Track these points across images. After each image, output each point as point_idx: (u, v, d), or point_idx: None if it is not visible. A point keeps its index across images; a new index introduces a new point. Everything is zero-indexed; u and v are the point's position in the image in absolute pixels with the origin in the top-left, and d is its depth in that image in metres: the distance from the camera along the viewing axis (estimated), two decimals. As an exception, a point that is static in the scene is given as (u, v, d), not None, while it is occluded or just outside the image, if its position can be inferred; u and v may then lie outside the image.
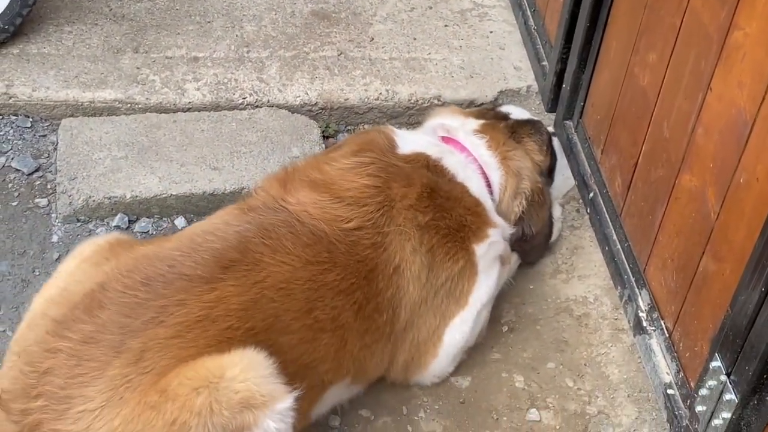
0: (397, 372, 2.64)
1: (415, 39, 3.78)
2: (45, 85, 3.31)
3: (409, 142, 2.69)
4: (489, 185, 2.76)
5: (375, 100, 3.49)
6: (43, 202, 3.09)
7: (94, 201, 2.98)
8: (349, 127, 3.52)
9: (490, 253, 2.67)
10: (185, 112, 3.33)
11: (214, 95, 3.37)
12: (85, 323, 2.10)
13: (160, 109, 3.32)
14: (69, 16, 3.62)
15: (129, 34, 3.57)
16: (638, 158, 2.68)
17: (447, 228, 2.55)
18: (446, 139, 2.79)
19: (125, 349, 2.06)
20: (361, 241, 2.40)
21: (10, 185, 3.13)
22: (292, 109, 3.38)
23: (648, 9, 2.60)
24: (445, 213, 2.55)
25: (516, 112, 3.03)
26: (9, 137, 3.25)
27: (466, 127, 2.83)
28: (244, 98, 3.39)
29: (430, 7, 3.95)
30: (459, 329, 2.63)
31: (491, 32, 3.85)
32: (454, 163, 2.69)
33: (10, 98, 3.28)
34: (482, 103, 3.54)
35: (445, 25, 3.86)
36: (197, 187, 3.04)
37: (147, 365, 2.05)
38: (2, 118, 3.30)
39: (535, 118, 3.02)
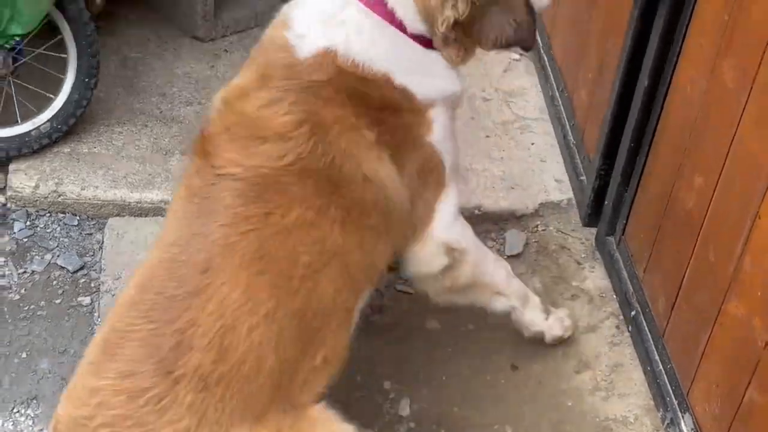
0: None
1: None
2: (94, 184, 3.38)
3: (306, 36, 2.33)
4: (406, 30, 2.38)
5: (416, 208, 3.52)
6: (86, 300, 3.12)
7: (136, 302, 3.00)
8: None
9: (446, 129, 2.54)
10: (229, 214, 3.36)
11: (258, 199, 3.42)
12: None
13: (205, 211, 3.37)
14: (120, 117, 3.70)
15: (178, 137, 3.64)
16: (682, 280, 2.67)
17: (395, 132, 2.41)
18: None
19: None
20: (309, 168, 2.25)
21: (54, 283, 3.17)
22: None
23: (693, 133, 2.62)
24: (386, 122, 2.38)
25: None
26: (56, 235, 3.31)
27: None
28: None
29: (472, 118, 4.00)
30: (447, 204, 2.62)
31: (532, 144, 3.88)
32: (360, 41, 2.32)
33: (59, 196, 3.35)
34: (522, 215, 3.57)
35: (487, 136, 3.91)
36: (239, 291, 3.05)
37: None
38: (50, 215, 3.36)
39: None
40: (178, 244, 2.21)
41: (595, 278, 3.33)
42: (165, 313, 2.11)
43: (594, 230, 3.42)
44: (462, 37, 2.43)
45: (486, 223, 3.57)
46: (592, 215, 3.38)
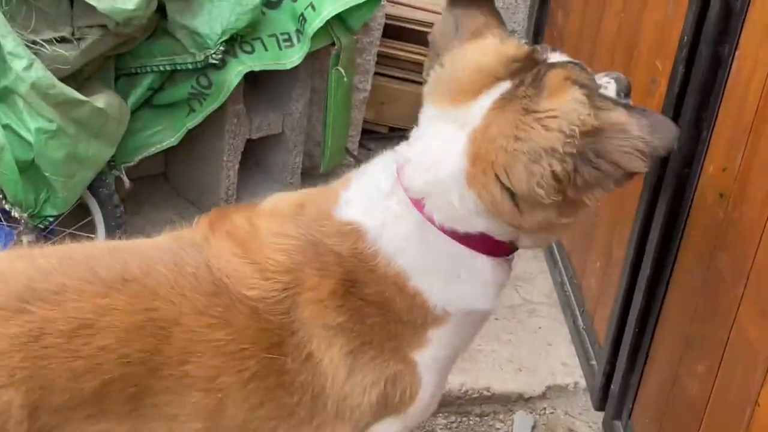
0: None
1: (466, 330, 3.92)
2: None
3: (352, 203, 2.22)
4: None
5: (426, 388, 3.59)
6: None
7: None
8: (399, 414, 3.59)
9: (443, 358, 2.28)
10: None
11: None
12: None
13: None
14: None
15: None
16: (688, 466, 2.73)
17: (369, 334, 2.18)
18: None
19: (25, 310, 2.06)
20: (264, 314, 2.15)
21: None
22: (347, 395, 3.48)
23: (694, 322, 2.74)
24: (364, 319, 2.17)
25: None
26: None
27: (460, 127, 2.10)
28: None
29: (482, 300, 4.12)
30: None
31: (539, 328, 3.99)
32: (395, 238, 2.16)
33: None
34: (530, 397, 3.63)
35: (496, 319, 4.02)
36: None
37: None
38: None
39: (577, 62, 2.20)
40: (136, 248, 2.27)
41: (603, 462, 3.37)
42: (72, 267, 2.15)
43: (602, 414, 3.48)
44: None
45: (494, 404, 3.64)
46: (604, 400, 3.43)
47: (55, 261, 2.17)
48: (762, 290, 2.37)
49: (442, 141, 2.11)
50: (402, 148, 2.22)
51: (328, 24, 3.99)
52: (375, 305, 2.17)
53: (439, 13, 4.71)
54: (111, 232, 3.65)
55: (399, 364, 2.22)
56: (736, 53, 2.54)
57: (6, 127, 3.22)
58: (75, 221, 3.65)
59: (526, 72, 2.08)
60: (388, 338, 2.19)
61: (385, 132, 5.09)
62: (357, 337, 2.18)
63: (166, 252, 2.23)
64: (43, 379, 2.07)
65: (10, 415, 2.05)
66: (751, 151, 2.44)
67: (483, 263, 2.19)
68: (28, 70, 3.21)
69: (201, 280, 2.16)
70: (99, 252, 2.25)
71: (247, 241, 2.22)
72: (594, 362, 3.56)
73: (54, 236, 3.60)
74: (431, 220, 2.13)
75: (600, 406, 3.44)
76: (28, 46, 3.29)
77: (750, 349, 2.41)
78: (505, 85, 2.08)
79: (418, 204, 2.14)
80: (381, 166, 2.26)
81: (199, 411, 2.17)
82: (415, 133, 2.21)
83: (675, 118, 2.80)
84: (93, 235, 3.64)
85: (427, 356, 2.24)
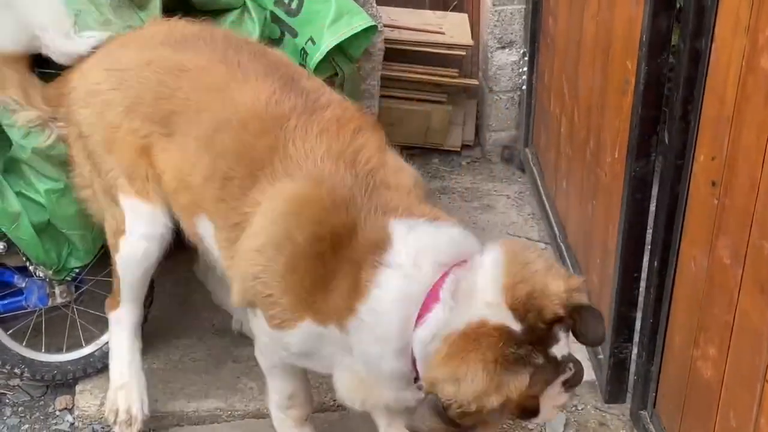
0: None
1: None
2: (153, 398, 3.60)
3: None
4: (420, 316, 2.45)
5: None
6: None
7: (197, 507, 3.18)
8: None
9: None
10: (281, 416, 3.56)
11: (307, 400, 3.62)
12: None
13: (258, 415, 3.57)
14: (177, 333, 3.96)
15: (230, 347, 3.88)
16: (711, 447, 2.81)
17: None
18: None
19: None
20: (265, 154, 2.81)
21: (120, 494, 3.36)
22: (380, 411, 3.59)
23: (702, 308, 2.83)
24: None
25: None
26: (121, 449, 3.51)
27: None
28: (334, 400, 3.62)
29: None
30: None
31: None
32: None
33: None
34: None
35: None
36: (292, 490, 3.22)
37: None
38: (115, 430, 3.57)
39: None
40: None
41: (635, 453, 3.44)
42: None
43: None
44: None
45: (525, 406, 3.72)
46: (613, 391, 3.55)
47: (195, 32, 3.16)
48: (759, 271, 2.46)
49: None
50: None
51: (329, 55, 4.10)
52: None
53: (440, 33, 4.86)
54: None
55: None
56: (713, 46, 2.64)
57: (19, 194, 3.33)
58: (104, 267, 3.74)
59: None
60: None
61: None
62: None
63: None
64: (138, 93, 3.01)
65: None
66: (735, 139, 2.54)
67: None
68: (26, 137, 3.29)
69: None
70: (238, 42, 3.17)
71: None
72: (601, 356, 3.64)
73: (84, 285, 3.72)
74: None
75: (609, 398, 3.53)
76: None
77: (753, 328, 2.50)
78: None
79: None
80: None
81: (197, 177, 2.93)
82: None
83: (643, 118, 2.92)
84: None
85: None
